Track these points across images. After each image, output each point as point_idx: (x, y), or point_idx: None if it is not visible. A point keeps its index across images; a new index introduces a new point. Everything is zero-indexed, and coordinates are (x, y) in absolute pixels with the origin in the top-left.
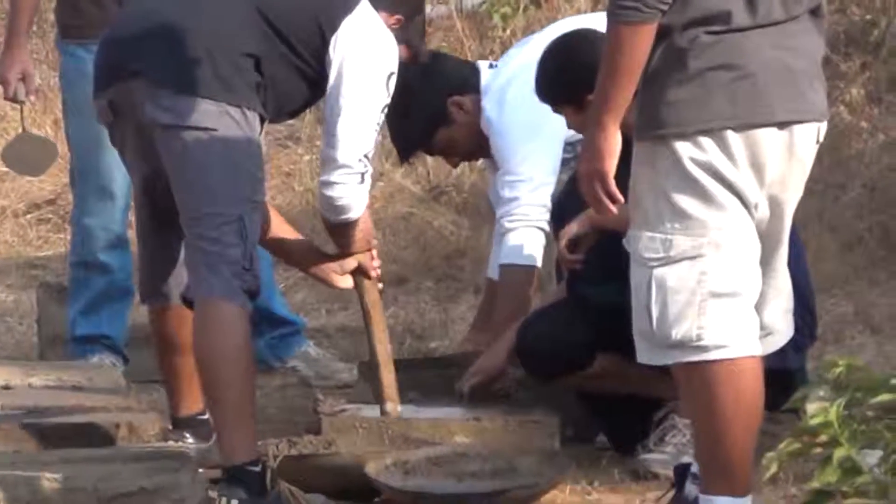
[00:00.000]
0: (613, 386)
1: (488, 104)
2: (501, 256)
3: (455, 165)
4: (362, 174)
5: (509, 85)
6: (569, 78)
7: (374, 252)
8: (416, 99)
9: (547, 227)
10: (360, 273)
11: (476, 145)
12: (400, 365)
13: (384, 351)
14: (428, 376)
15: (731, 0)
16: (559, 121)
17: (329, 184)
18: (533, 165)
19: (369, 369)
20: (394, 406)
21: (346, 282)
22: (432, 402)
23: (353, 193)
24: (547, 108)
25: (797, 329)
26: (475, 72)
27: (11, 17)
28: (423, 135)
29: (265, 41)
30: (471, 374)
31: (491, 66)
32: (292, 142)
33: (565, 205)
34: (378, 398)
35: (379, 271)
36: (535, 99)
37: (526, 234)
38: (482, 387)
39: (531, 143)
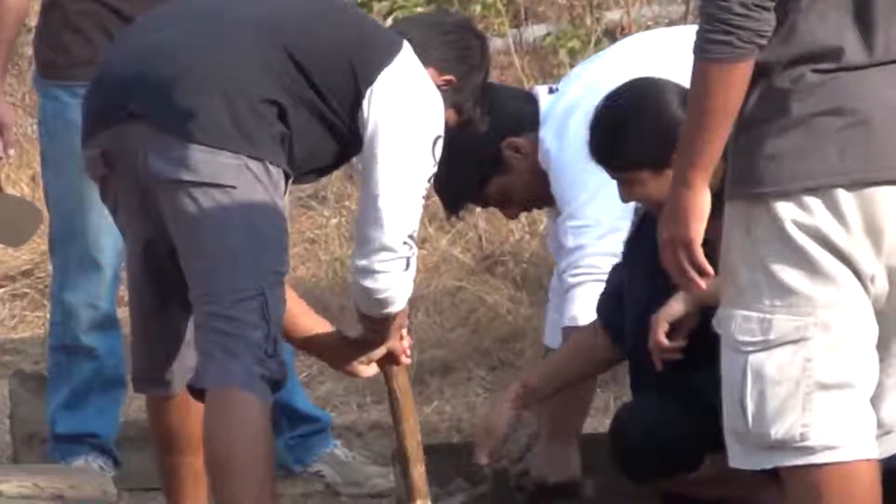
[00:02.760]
0: (720, 492)
1: (547, 135)
2: (564, 318)
3: (513, 217)
4: (408, 259)
5: (572, 111)
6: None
7: (405, 331)
8: (465, 143)
9: None
10: (389, 360)
11: (537, 192)
12: (445, 450)
13: (414, 445)
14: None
15: (842, 34)
16: None
17: (369, 272)
18: (600, 207)
19: (400, 463)
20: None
21: (373, 371)
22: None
23: (397, 283)
24: None
25: None
26: (532, 102)
27: None
28: (474, 185)
29: (292, 87)
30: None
31: (551, 90)
32: (317, 202)
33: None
34: (408, 495)
35: (409, 353)
36: None
37: (594, 289)
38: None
39: (597, 180)
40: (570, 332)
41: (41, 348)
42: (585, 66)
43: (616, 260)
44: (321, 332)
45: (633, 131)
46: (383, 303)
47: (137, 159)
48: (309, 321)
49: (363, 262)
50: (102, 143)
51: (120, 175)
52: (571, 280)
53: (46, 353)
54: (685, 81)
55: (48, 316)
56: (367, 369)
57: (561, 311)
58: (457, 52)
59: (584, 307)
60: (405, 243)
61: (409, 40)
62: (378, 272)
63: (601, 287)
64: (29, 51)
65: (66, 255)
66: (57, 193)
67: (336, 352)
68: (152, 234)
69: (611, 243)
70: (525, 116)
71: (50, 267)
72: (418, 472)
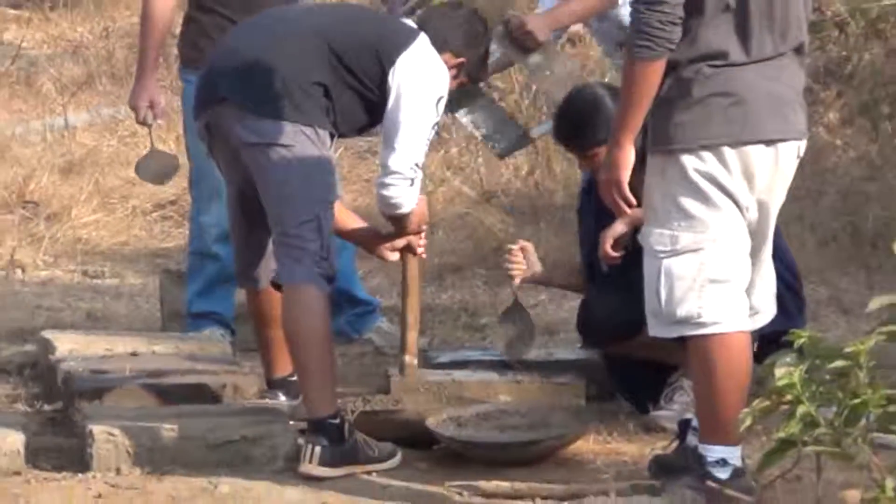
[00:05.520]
0: (651, 354)
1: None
2: None
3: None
4: (412, 179)
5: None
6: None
7: (423, 235)
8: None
9: None
10: (407, 250)
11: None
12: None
13: (413, 318)
14: None
15: (728, 40)
16: None
17: (383, 185)
18: None
19: (400, 327)
20: (411, 359)
21: (395, 256)
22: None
23: (403, 193)
24: None
25: (796, 294)
26: None
27: (141, 53)
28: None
29: (333, 72)
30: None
31: None
32: (370, 154)
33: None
34: (401, 349)
35: (423, 249)
36: None
37: None
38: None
39: None
40: None
41: (182, 254)
42: None
43: None
44: (360, 226)
45: (591, 122)
46: (392, 206)
47: (228, 129)
48: (351, 220)
49: (380, 179)
50: (205, 118)
51: (218, 140)
52: None
53: (186, 257)
54: None
55: (187, 232)
56: (391, 255)
57: None
58: (467, 39)
59: None
60: (411, 168)
61: (431, 31)
62: (389, 185)
63: None
64: (174, 50)
65: (200, 190)
66: (193, 147)
67: (369, 240)
68: (241, 181)
69: None
70: None
71: (189, 197)
72: (411, 336)
